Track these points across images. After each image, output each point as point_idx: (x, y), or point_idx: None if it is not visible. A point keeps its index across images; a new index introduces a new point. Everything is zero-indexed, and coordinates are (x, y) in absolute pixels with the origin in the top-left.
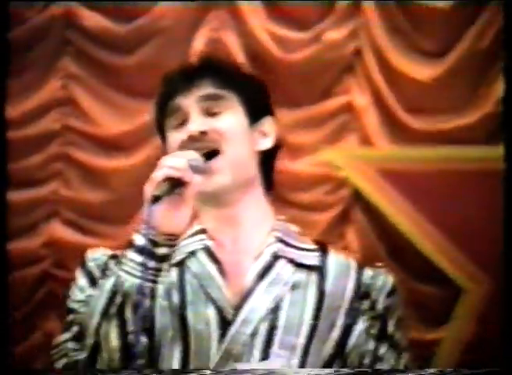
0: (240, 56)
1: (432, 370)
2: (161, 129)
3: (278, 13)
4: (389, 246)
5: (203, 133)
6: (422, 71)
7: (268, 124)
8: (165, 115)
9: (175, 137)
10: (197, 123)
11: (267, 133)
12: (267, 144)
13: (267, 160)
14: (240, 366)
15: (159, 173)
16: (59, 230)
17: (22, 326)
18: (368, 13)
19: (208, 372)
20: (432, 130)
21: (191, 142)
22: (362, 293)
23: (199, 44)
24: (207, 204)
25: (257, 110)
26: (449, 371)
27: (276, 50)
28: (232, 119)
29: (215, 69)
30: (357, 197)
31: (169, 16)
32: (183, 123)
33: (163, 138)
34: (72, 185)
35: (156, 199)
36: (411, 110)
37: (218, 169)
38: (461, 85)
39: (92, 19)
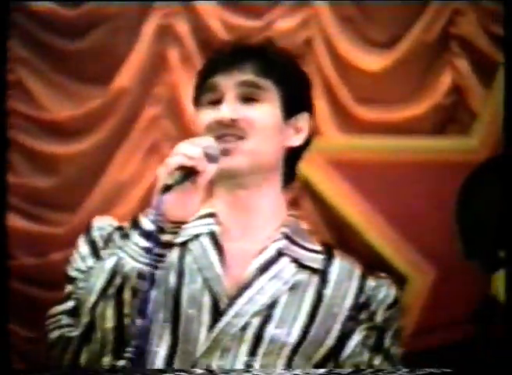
0: (190, 44)
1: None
2: (196, 100)
3: (229, 0)
4: (336, 235)
5: (233, 120)
6: (372, 61)
7: (303, 121)
8: (203, 90)
9: (206, 114)
10: (230, 108)
11: (300, 131)
12: (297, 141)
13: (292, 157)
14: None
15: (173, 161)
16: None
17: None
18: (318, 3)
19: (199, 371)
20: (381, 121)
21: (219, 126)
22: (362, 303)
23: (149, 29)
24: (222, 184)
25: (295, 105)
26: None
27: (227, 37)
28: (266, 110)
29: (262, 56)
30: (306, 186)
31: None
32: (218, 102)
33: (197, 107)
34: (19, 172)
35: (167, 188)
36: (361, 100)
37: (238, 151)
38: (410, 76)
39: (38, 1)
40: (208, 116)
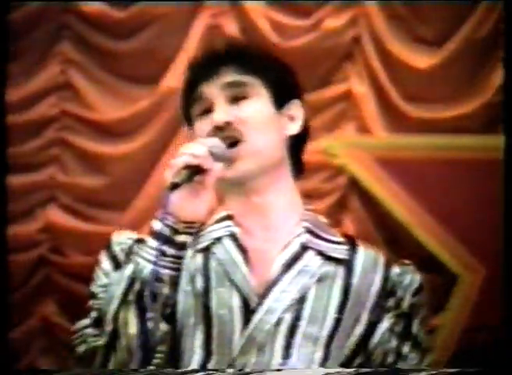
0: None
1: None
2: (187, 117)
3: (278, 0)
4: (385, 233)
5: (227, 123)
6: (421, 59)
7: (295, 108)
8: (191, 103)
9: (201, 125)
10: (221, 112)
11: (295, 118)
12: (295, 128)
13: (296, 145)
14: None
15: (179, 160)
16: (56, 216)
17: (18, 310)
18: (367, 2)
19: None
20: (429, 119)
21: (216, 132)
22: (388, 290)
23: (198, 29)
24: (233, 191)
25: (283, 94)
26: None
27: (275, 37)
28: (257, 105)
29: (239, 56)
30: (354, 185)
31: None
32: (208, 110)
33: (190, 126)
34: (69, 170)
35: (175, 186)
36: (409, 98)
37: (240, 156)
38: (460, 74)
39: (89, 3)
40: (204, 126)
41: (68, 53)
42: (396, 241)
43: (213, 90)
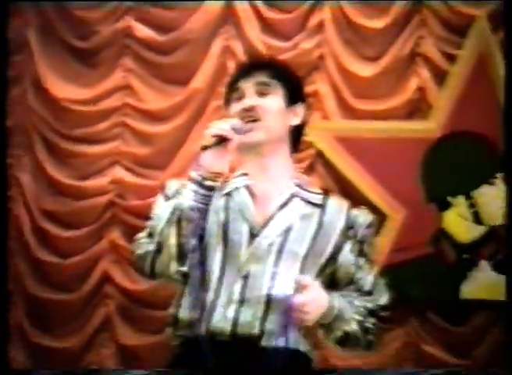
0: (241, 57)
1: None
2: (227, 100)
3: (268, 28)
4: (342, 189)
5: (252, 107)
6: (365, 70)
7: (299, 108)
8: (231, 92)
9: (234, 107)
10: (251, 99)
11: (297, 114)
12: (296, 121)
13: (295, 132)
14: None
15: (210, 131)
16: (120, 173)
17: (93, 236)
18: (328, 30)
19: None
20: (371, 110)
21: (243, 112)
22: (350, 225)
23: (216, 48)
24: (248, 156)
25: (293, 98)
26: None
27: (267, 53)
28: (274, 100)
29: (268, 65)
30: (320, 155)
31: (195, 30)
32: (241, 98)
33: (227, 106)
34: (128, 143)
35: (205, 148)
36: (358, 96)
37: (255, 128)
38: (390, 80)
39: (143, 31)
40: (235, 108)
41: (128, 65)
42: (348, 195)
43: (247, 85)
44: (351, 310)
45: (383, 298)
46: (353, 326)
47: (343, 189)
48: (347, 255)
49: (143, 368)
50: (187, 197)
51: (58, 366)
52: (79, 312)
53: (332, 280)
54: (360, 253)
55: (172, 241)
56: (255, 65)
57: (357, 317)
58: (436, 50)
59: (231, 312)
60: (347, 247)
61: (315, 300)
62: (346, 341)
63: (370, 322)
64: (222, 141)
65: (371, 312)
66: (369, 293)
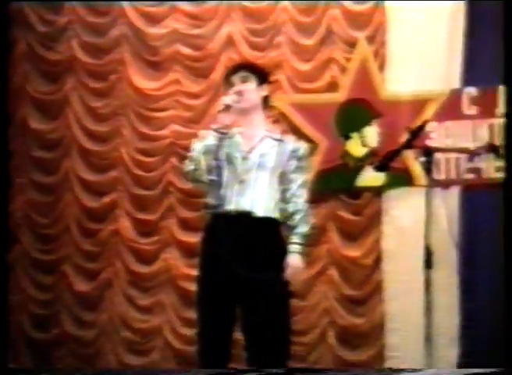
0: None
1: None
2: (225, 87)
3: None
4: (291, 132)
5: (240, 90)
6: (305, 66)
7: (265, 87)
8: (227, 82)
9: (230, 90)
10: (241, 87)
11: (264, 90)
12: (264, 93)
13: (265, 100)
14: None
15: (222, 102)
16: (177, 127)
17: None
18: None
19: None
20: (308, 88)
21: (236, 92)
22: (295, 149)
23: (224, 60)
24: (240, 114)
25: (261, 81)
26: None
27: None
28: (252, 85)
29: (248, 66)
30: (280, 113)
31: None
32: (233, 85)
33: (226, 91)
34: (180, 112)
35: (220, 111)
36: (301, 81)
37: (243, 100)
38: (318, 72)
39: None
40: (231, 91)
41: (178, 68)
42: (295, 134)
43: (235, 79)
44: (300, 230)
45: (304, 196)
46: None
47: (292, 131)
48: (292, 176)
49: None
50: (210, 139)
51: None
52: None
53: (284, 190)
54: (300, 167)
55: (203, 163)
56: (239, 66)
57: (302, 222)
58: (339, 54)
59: (235, 200)
60: (294, 163)
61: (297, 267)
62: (305, 239)
63: (307, 220)
64: (228, 107)
65: (299, 243)
66: (295, 193)
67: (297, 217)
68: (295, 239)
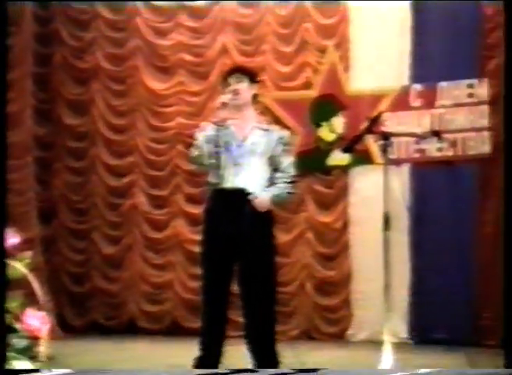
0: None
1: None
2: (223, 87)
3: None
4: (275, 123)
5: (236, 89)
6: (286, 68)
7: (255, 86)
8: (224, 83)
9: (227, 90)
10: (234, 86)
11: (254, 89)
12: (254, 92)
13: (254, 97)
14: None
15: (220, 100)
16: (181, 120)
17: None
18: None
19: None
20: (288, 86)
21: (231, 92)
22: (280, 136)
23: (221, 64)
24: (235, 109)
25: (252, 81)
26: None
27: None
28: (244, 84)
29: (242, 68)
30: (266, 109)
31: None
32: (229, 85)
33: (223, 90)
34: (184, 106)
35: (218, 108)
36: (282, 81)
37: (238, 98)
38: (297, 73)
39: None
40: (227, 91)
41: (182, 73)
42: (278, 124)
43: (232, 79)
44: (279, 188)
45: (291, 171)
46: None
47: (275, 121)
48: (281, 156)
49: None
50: (210, 130)
51: None
52: None
53: (274, 169)
54: (285, 151)
55: (205, 150)
56: (234, 69)
57: (282, 187)
58: (312, 59)
59: (232, 179)
60: (279, 148)
61: (264, 201)
62: (278, 198)
63: (288, 187)
64: (225, 104)
65: (287, 182)
66: (284, 170)
67: (283, 181)
68: (272, 188)
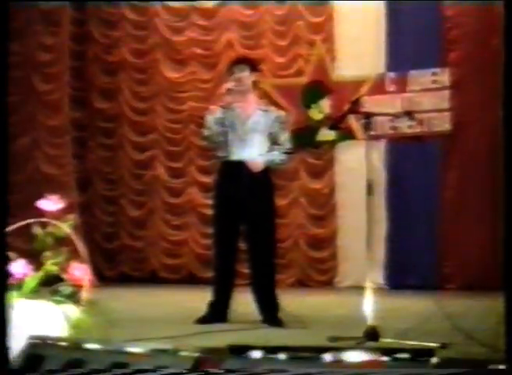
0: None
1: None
2: (228, 75)
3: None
4: (273, 105)
5: (240, 77)
6: (280, 59)
7: (256, 74)
8: (229, 72)
9: (232, 77)
10: (238, 74)
11: (255, 76)
12: (255, 79)
13: (255, 83)
14: None
15: (225, 86)
16: (193, 103)
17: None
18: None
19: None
20: (283, 74)
21: (236, 79)
22: (277, 115)
23: (226, 59)
24: (239, 94)
25: (253, 70)
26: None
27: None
28: (246, 72)
29: (244, 59)
30: (266, 94)
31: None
32: (233, 74)
33: (229, 77)
34: (197, 95)
35: (223, 94)
36: (278, 70)
37: (241, 84)
38: (291, 62)
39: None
40: (232, 78)
41: (194, 66)
42: (271, 104)
43: (236, 69)
44: (272, 155)
45: (288, 145)
46: (276, 158)
47: (272, 104)
48: (279, 132)
49: None
50: (218, 113)
51: None
52: None
53: (273, 143)
54: (281, 128)
55: (215, 129)
56: (237, 60)
57: (276, 154)
58: (304, 51)
59: (237, 153)
60: (277, 126)
61: (257, 163)
62: (271, 162)
63: (281, 155)
64: (230, 90)
65: (282, 152)
66: (281, 144)
67: (280, 153)
68: (267, 155)
